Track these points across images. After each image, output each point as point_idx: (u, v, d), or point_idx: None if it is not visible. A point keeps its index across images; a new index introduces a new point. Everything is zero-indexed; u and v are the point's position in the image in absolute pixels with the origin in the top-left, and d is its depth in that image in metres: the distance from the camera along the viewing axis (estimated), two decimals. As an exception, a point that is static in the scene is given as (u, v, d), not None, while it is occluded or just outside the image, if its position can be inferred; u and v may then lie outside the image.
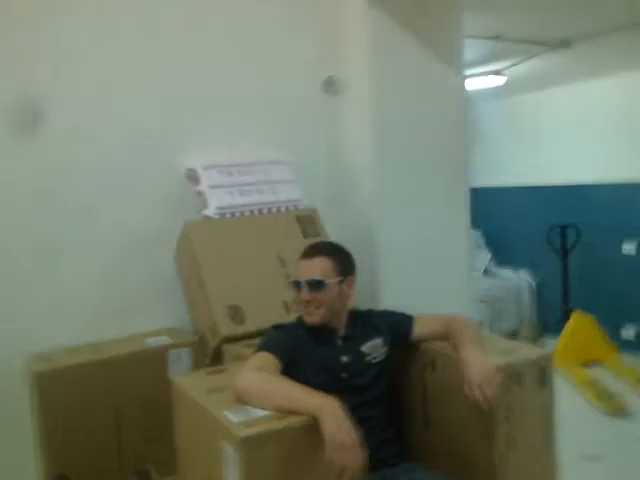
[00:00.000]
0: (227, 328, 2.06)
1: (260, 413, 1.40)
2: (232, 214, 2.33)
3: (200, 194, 2.35)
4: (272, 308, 2.12)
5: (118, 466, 1.99)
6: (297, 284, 1.75)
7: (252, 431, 1.32)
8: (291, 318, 1.91)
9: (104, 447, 1.99)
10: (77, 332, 2.20)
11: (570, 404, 3.68)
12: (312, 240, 2.12)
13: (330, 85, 2.71)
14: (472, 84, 4.21)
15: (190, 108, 2.43)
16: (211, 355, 2.12)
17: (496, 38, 3.38)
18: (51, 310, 2.19)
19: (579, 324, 4.57)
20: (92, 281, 2.28)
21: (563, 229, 4.92)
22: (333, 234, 2.39)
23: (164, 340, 2.16)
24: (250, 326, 2.07)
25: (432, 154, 2.75)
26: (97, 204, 2.27)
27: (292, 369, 1.59)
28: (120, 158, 2.30)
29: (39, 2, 2.15)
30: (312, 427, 1.36)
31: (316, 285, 1.71)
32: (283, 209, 2.44)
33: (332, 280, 1.73)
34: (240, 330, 2.06)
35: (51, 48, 2.18)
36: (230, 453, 1.34)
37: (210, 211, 2.30)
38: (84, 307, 2.25)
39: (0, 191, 2.12)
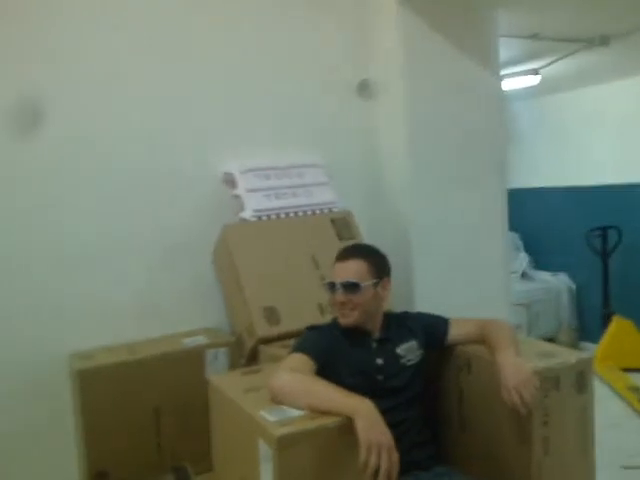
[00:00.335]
0: (263, 329, 2.09)
1: (295, 413, 1.42)
2: (268, 217, 2.36)
3: (237, 197, 2.39)
4: (307, 310, 2.14)
5: (156, 463, 2.04)
6: (332, 286, 1.76)
7: (288, 430, 1.34)
8: (326, 320, 1.93)
9: (143, 444, 2.03)
10: (116, 332, 2.25)
11: (611, 411, 3.60)
12: (347, 242, 2.13)
13: (364, 88, 2.72)
14: (507, 84, 4.16)
15: (226, 112, 2.47)
16: (247, 355, 2.15)
17: (533, 37, 3.33)
18: (92, 311, 2.25)
19: (620, 329, 4.45)
20: (131, 282, 2.33)
21: (604, 231, 4.81)
22: (367, 236, 2.39)
23: (201, 340, 2.19)
24: (285, 327, 2.09)
25: (468, 155, 2.73)
26: (137, 207, 2.33)
27: (327, 370, 1.60)
28: (159, 162, 2.36)
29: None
30: (347, 427, 1.37)
31: (351, 287, 1.72)
32: (318, 212, 2.46)
33: (367, 282, 1.74)
34: (276, 331, 2.09)
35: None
36: (266, 451, 1.36)
37: (247, 214, 2.34)
38: (123, 308, 2.31)
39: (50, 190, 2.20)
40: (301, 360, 1.60)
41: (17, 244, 2.15)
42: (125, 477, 1.99)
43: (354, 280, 1.72)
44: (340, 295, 1.73)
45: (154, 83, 2.35)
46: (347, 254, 1.79)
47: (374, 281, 1.76)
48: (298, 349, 1.65)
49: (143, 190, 2.34)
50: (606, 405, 3.57)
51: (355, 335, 1.76)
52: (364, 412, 1.38)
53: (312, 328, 1.79)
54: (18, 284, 2.15)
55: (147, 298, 2.35)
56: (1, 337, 2.12)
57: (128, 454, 2.00)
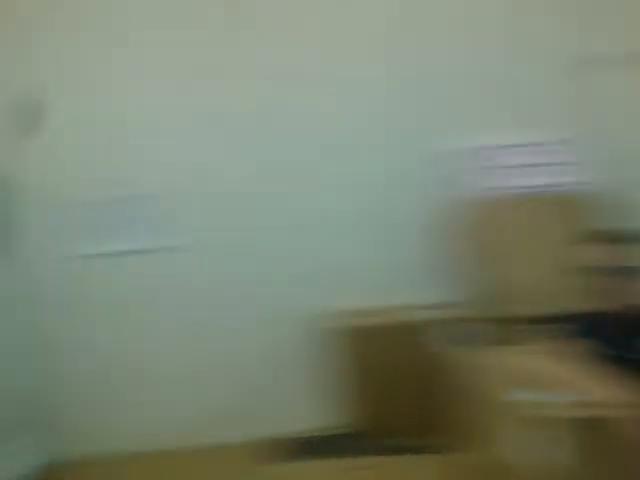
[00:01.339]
0: (502, 309, 2.04)
1: (546, 397, 1.36)
2: (510, 194, 2.29)
3: (475, 174, 2.35)
4: (552, 292, 2.06)
5: (416, 427, 2.08)
6: (611, 270, 1.61)
7: (538, 412, 1.30)
8: (568, 303, 1.78)
9: (403, 407, 2.12)
10: (354, 298, 2.45)
11: None
12: (592, 225, 1.98)
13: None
14: None
15: (460, 92, 2.48)
16: (489, 333, 2.11)
17: None
18: (335, 277, 2.50)
19: None
20: (368, 254, 2.51)
21: None
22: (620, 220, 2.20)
23: (439, 313, 2.24)
24: (525, 309, 2.02)
25: None
26: (364, 187, 2.51)
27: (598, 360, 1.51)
28: (391, 146, 2.50)
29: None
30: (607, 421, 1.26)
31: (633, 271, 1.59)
32: (562, 191, 2.34)
33: None
34: (515, 312, 2.03)
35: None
36: (514, 431, 1.32)
37: (487, 191, 2.30)
38: (360, 276, 2.51)
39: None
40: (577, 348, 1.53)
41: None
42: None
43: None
44: (622, 280, 1.59)
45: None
46: (614, 237, 1.64)
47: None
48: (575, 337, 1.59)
49: (372, 173, 2.50)
50: None
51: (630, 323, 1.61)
52: None
53: (585, 316, 1.68)
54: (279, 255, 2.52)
55: (383, 269, 2.51)
56: (278, 297, 2.51)
57: (389, 412, 2.11)
